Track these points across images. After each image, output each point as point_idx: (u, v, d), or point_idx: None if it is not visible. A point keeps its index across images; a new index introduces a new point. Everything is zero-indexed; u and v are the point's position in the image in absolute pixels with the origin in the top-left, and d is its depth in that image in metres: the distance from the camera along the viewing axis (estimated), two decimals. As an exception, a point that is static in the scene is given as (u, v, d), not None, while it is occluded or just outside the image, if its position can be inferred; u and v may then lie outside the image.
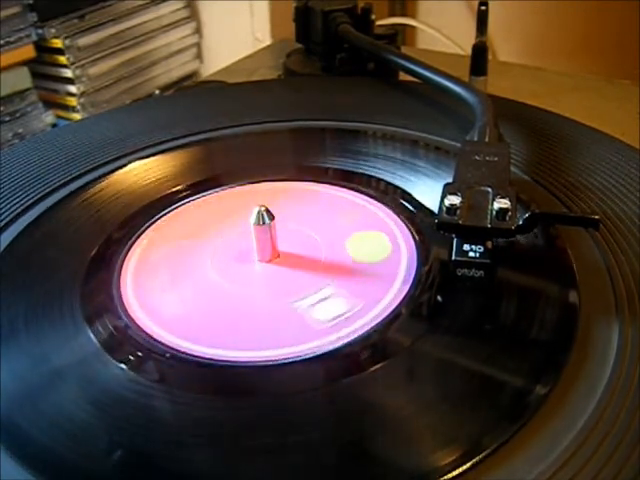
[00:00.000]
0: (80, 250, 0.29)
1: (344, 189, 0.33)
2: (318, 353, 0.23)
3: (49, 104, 0.79)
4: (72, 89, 0.78)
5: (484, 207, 0.25)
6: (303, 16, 0.50)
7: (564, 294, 0.25)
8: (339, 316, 0.25)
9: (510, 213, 0.24)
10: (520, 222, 0.24)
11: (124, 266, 0.28)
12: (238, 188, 0.33)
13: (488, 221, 0.24)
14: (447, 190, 0.25)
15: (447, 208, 0.25)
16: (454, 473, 0.18)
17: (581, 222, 0.25)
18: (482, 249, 0.24)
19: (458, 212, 0.24)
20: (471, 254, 0.24)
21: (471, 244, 0.24)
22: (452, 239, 0.25)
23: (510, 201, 0.25)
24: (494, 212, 0.24)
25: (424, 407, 0.21)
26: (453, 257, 0.25)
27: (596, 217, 0.24)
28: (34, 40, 0.74)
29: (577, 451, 0.19)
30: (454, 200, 0.25)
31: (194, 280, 0.27)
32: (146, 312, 0.25)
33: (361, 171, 0.34)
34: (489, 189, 0.26)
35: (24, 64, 0.75)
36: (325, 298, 0.26)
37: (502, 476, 0.19)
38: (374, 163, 0.34)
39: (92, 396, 0.22)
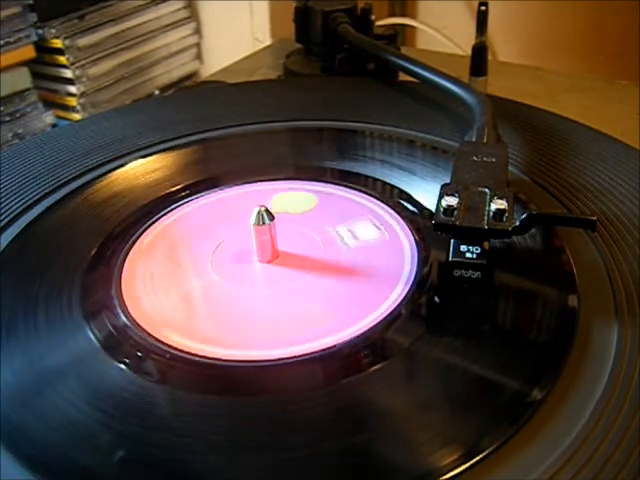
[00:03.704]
0: (80, 250, 0.29)
1: (344, 189, 0.33)
2: (318, 353, 0.23)
3: (49, 104, 0.79)
4: (72, 89, 0.78)
5: (481, 208, 0.25)
6: (303, 16, 0.50)
7: (563, 295, 0.25)
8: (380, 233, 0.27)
9: (507, 214, 0.24)
10: (517, 223, 0.24)
11: (124, 266, 0.28)
12: (238, 188, 0.33)
13: (485, 222, 0.24)
14: (444, 191, 0.25)
15: (444, 209, 0.25)
16: (453, 473, 0.18)
17: (578, 223, 0.25)
18: (479, 250, 0.24)
19: (455, 213, 0.24)
20: (468, 255, 0.24)
21: (468, 245, 0.24)
22: (449, 240, 0.25)
23: (507, 202, 0.25)
24: (491, 213, 0.24)
25: (423, 408, 0.21)
26: (450, 258, 0.25)
27: (593, 218, 0.24)
28: (34, 40, 0.74)
29: (577, 452, 0.19)
30: (451, 201, 0.25)
31: (194, 280, 0.27)
32: (146, 312, 0.26)
33: (360, 171, 0.34)
34: (486, 190, 0.26)
35: (24, 64, 0.75)
36: (354, 226, 0.28)
37: (502, 477, 0.19)
38: (373, 163, 0.34)
39: (92, 396, 0.22)
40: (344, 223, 0.30)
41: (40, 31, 0.74)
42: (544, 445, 0.19)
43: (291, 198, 0.32)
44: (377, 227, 0.29)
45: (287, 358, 0.23)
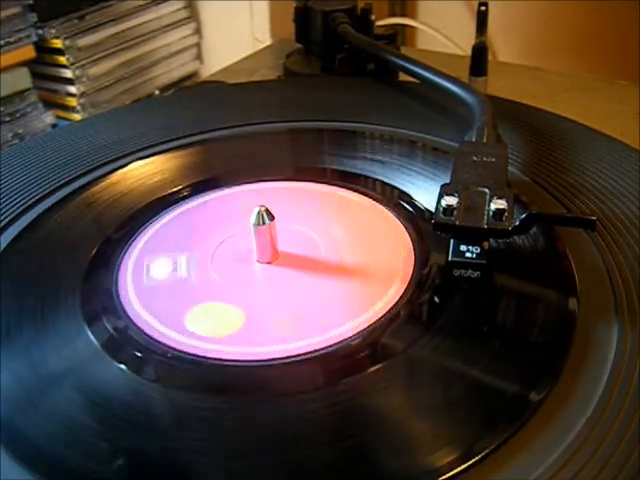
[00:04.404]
0: (80, 250, 0.29)
1: (344, 189, 0.33)
2: (317, 354, 0.23)
3: (49, 104, 0.79)
4: (72, 89, 0.78)
5: (481, 208, 0.25)
6: (303, 16, 0.50)
7: (563, 295, 0.25)
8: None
9: (507, 214, 0.24)
10: (517, 223, 0.24)
11: (124, 266, 0.28)
12: (238, 188, 0.33)
13: (485, 222, 0.24)
14: (444, 191, 0.25)
15: (444, 209, 0.25)
16: (452, 473, 0.18)
17: (578, 223, 0.25)
18: (479, 250, 0.24)
19: (455, 213, 0.24)
20: (468, 255, 0.24)
21: (468, 245, 0.24)
22: (449, 240, 0.25)
23: (507, 202, 0.25)
24: (491, 213, 0.24)
25: (422, 408, 0.21)
26: (450, 258, 0.25)
27: (593, 218, 0.24)
28: (34, 40, 0.74)
29: (576, 452, 0.19)
30: (451, 201, 0.25)
31: (194, 280, 0.27)
32: (146, 312, 0.26)
33: (360, 171, 0.34)
34: (486, 190, 0.26)
35: (24, 64, 0.75)
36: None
37: (501, 477, 0.19)
38: (373, 163, 0.34)
39: (92, 396, 0.22)
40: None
41: (40, 31, 0.74)
42: (544, 446, 0.19)
43: (213, 312, 0.25)
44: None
45: (287, 358, 0.23)
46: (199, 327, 0.25)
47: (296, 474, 0.19)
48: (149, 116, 0.41)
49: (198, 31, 0.91)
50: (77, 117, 0.79)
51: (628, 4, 0.75)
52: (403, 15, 0.92)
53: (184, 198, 0.33)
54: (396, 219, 0.30)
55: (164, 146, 0.37)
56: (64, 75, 0.77)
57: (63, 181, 0.34)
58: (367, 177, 0.33)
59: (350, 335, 0.24)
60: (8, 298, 0.26)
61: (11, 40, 0.72)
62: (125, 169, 0.35)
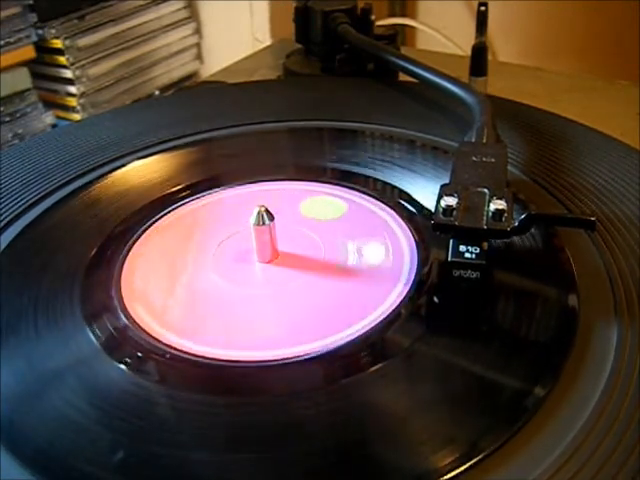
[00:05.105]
0: (80, 250, 0.29)
1: (343, 189, 0.33)
2: (318, 354, 0.23)
3: (49, 104, 0.79)
4: (72, 89, 0.78)
5: (480, 208, 0.25)
6: (303, 16, 0.50)
7: (563, 295, 0.25)
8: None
9: (506, 214, 0.24)
10: (516, 223, 0.24)
11: (124, 266, 0.28)
12: (238, 188, 0.33)
13: (484, 222, 0.24)
14: (443, 191, 0.25)
15: (443, 209, 0.25)
16: (453, 474, 0.19)
17: (577, 223, 0.25)
18: (478, 250, 0.24)
19: (454, 213, 0.24)
20: (467, 255, 0.24)
21: (467, 245, 0.24)
22: (449, 240, 0.25)
23: (506, 202, 0.25)
24: (490, 213, 0.24)
25: (423, 408, 0.21)
26: (449, 258, 0.25)
27: (592, 218, 0.24)
28: (34, 40, 0.74)
29: (576, 452, 0.19)
30: (450, 201, 0.25)
31: (194, 280, 0.27)
32: (146, 312, 0.26)
33: (360, 171, 0.34)
34: (486, 190, 0.26)
35: (24, 64, 0.75)
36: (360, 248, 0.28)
37: (501, 477, 0.19)
38: (373, 163, 0.34)
39: (92, 396, 0.22)
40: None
41: (40, 31, 0.74)
42: (544, 445, 0.19)
43: (320, 203, 0.32)
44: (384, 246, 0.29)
45: (287, 358, 0.23)
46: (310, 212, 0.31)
47: (297, 474, 0.19)
48: (149, 116, 0.41)
49: (198, 31, 0.91)
50: (77, 117, 0.79)
51: (628, 4, 0.75)
52: (403, 15, 0.92)
53: (184, 198, 0.33)
54: (396, 218, 0.30)
55: (164, 146, 0.37)
56: (64, 75, 0.77)
57: (63, 181, 0.34)
58: (367, 177, 0.33)
59: (351, 335, 0.24)
60: (8, 297, 0.26)
61: (11, 40, 0.72)
62: (125, 169, 0.35)
